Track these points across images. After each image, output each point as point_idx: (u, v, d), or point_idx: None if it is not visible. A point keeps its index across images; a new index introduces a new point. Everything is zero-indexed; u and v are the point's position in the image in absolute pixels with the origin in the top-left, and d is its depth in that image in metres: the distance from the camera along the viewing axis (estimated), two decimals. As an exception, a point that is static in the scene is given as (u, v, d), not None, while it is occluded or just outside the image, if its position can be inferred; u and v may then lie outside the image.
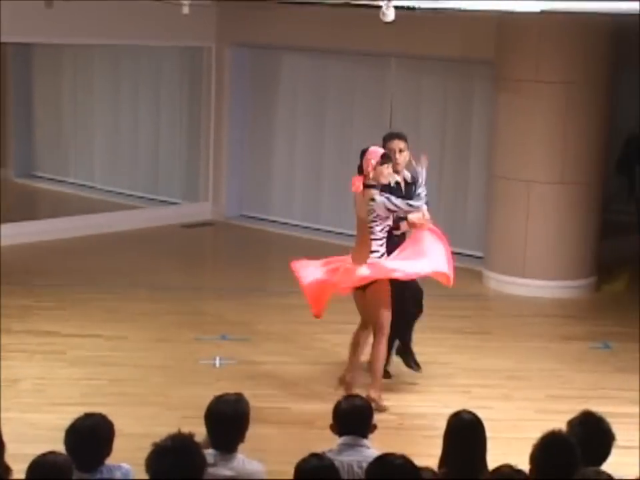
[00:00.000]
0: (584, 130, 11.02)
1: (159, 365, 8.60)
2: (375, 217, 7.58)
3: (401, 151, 8.03)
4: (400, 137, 8.16)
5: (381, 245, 7.66)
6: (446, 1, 8.44)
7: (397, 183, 7.98)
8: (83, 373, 8.27)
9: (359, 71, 13.37)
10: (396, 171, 7.96)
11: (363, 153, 7.69)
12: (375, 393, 7.65)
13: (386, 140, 8.13)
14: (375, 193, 7.58)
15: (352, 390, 7.57)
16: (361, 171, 7.66)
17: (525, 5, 8.93)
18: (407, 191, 8.00)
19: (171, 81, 14.74)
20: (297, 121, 13.91)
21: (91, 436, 4.59)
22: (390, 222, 7.66)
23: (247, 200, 14.36)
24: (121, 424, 4.89)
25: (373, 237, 7.62)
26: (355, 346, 7.91)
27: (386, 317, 7.70)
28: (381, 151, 7.74)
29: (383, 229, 7.63)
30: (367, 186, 7.61)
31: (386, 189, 7.75)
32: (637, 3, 7.39)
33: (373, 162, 7.58)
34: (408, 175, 8.10)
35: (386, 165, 7.65)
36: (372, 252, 7.66)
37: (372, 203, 7.56)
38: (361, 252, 7.69)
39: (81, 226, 12.77)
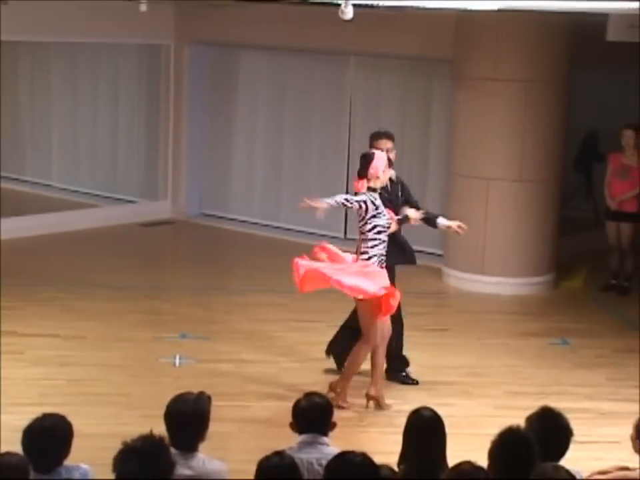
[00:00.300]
0: (542, 128, 11.10)
1: (118, 364, 8.55)
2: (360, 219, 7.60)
3: (388, 150, 8.01)
4: (388, 136, 8.17)
5: (372, 247, 7.60)
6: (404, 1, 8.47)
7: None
8: (41, 372, 8.20)
9: (318, 69, 13.37)
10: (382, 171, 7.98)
11: (365, 156, 7.64)
12: (374, 390, 7.71)
13: (373, 139, 8.14)
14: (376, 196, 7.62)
15: (383, 403, 7.73)
16: (361, 174, 7.60)
17: (483, 4, 8.98)
18: (392, 189, 8.06)
19: (130, 79, 14.66)
20: (256, 119, 13.88)
21: (48, 436, 4.56)
22: (382, 222, 7.60)
23: (207, 198, 14.32)
24: (80, 424, 4.86)
25: (362, 237, 7.63)
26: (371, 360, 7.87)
27: (373, 330, 7.66)
28: (385, 155, 7.74)
29: (372, 229, 7.58)
30: (369, 189, 7.61)
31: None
32: (592, 2, 7.46)
33: (382, 167, 7.60)
34: (393, 174, 8.11)
35: (389, 170, 7.77)
36: (361, 253, 7.64)
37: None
38: (357, 254, 7.67)
39: (38, 225, 12.66)
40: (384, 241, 7.61)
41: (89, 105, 15.03)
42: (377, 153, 7.72)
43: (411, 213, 7.96)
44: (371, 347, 7.74)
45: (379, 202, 7.60)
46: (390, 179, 8.06)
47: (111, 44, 14.00)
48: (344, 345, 8.22)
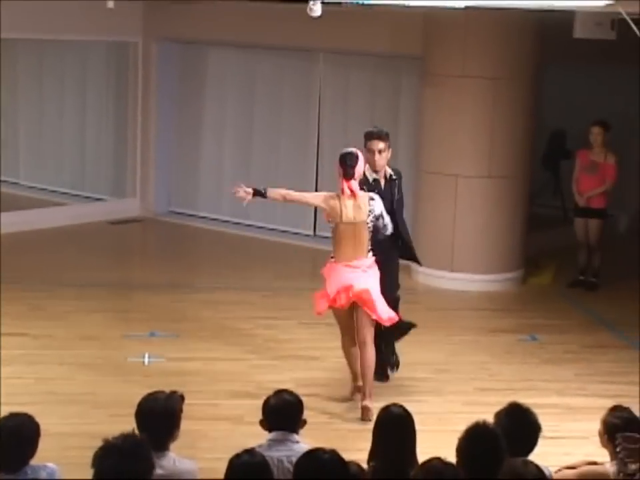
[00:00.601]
0: (510, 125, 11.14)
1: (86, 363, 8.50)
2: (373, 218, 7.56)
3: (380, 152, 7.90)
4: (380, 136, 7.97)
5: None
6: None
7: (376, 180, 7.93)
8: (8, 371, 8.12)
9: (287, 66, 13.36)
10: (375, 171, 7.91)
11: (345, 156, 7.51)
12: (370, 402, 7.57)
13: (366, 139, 8.00)
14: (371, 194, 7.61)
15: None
16: (347, 175, 7.49)
17: (450, 2, 9.00)
18: (386, 188, 7.97)
19: (97, 77, 14.57)
20: (225, 116, 13.85)
21: (14, 436, 4.52)
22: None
23: (175, 196, 14.27)
24: (47, 423, 4.83)
25: (370, 236, 7.60)
26: (351, 356, 7.84)
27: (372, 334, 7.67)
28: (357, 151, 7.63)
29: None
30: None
31: (366, 185, 7.74)
32: (559, 0, 7.50)
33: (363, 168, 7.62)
34: (389, 172, 8.03)
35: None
36: (370, 250, 7.61)
37: (372, 202, 7.54)
38: (357, 253, 7.57)
39: (4, 223, 12.53)
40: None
41: (56, 103, 14.94)
42: (360, 154, 7.59)
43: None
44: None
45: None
46: (385, 177, 8.00)
47: (78, 41, 13.91)
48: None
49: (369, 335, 7.60)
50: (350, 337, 7.75)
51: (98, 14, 12.09)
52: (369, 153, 7.86)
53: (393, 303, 8.12)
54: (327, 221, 7.76)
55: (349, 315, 7.65)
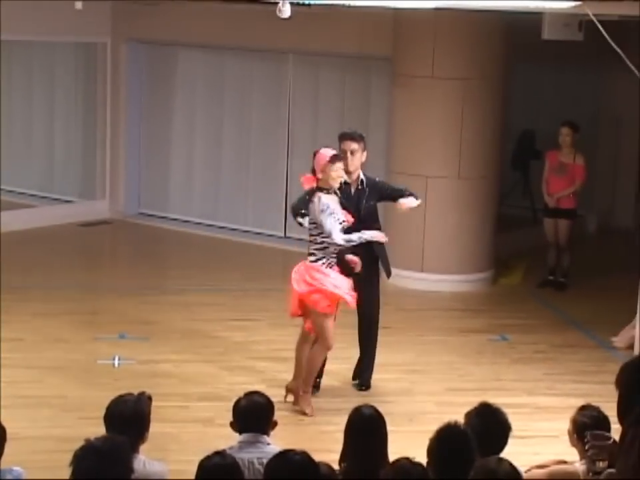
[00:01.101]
0: (480, 126, 11.17)
1: (55, 366, 8.44)
2: (310, 219, 7.51)
3: (352, 152, 7.86)
4: (352, 137, 7.93)
5: (320, 250, 7.50)
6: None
7: (346, 183, 7.79)
8: (-23, 375, 8.06)
9: (257, 67, 13.34)
10: (347, 172, 7.78)
11: (315, 154, 7.53)
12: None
13: (340, 140, 7.96)
14: (320, 195, 7.45)
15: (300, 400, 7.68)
16: (313, 172, 7.52)
17: (419, 3, 9.02)
18: (355, 194, 7.90)
19: (66, 77, 14.48)
20: (194, 117, 13.81)
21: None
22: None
23: (145, 198, 14.21)
24: (15, 427, 4.80)
25: (310, 239, 7.56)
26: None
27: (328, 331, 7.63)
28: (331, 152, 7.56)
29: (321, 234, 7.47)
30: (318, 188, 7.50)
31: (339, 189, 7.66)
32: (528, 2, 7.53)
33: (321, 165, 7.45)
34: (361, 178, 7.96)
35: (334, 166, 7.48)
36: (308, 254, 7.57)
37: (310, 205, 7.46)
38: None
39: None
40: (332, 244, 7.48)
41: (24, 104, 14.82)
42: (322, 150, 7.58)
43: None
44: (327, 348, 7.71)
45: (329, 204, 7.44)
46: (358, 182, 7.91)
47: (46, 42, 13.83)
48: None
49: (322, 332, 7.65)
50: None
51: (66, 15, 12.02)
52: (342, 154, 7.83)
53: (368, 320, 8.12)
54: None
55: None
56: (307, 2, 8.61)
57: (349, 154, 7.87)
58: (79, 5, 10.47)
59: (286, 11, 7.52)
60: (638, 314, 8.58)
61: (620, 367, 4.40)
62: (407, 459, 4.33)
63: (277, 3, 7.56)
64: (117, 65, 13.82)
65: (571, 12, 8.21)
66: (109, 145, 14.00)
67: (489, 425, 4.88)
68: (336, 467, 4.94)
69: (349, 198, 7.83)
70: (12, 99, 14.87)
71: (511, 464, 4.29)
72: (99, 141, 14.10)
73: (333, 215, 7.43)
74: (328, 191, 7.53)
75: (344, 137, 8.01)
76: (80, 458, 3.96)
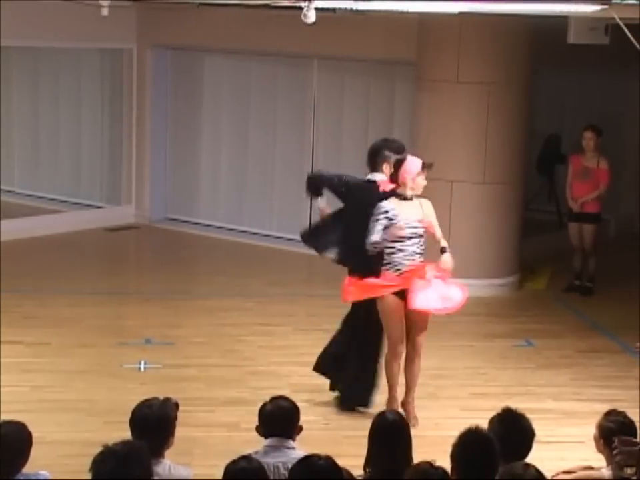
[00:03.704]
0: (505, 130, 11.14)
1: (81, 371, 8.49)
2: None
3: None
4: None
5: (388, 255, 7.50)
6: (365, 2, 8.46)
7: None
8: (4, 380, 8.09)
9: (282, 72, 13.37)
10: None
11: (400, 161, 7.50)
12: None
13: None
14: (385, 203, 7.47)
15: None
16: (392, 178, 7.53)
17: (443, 6, 8.99)
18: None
19: (92, 84, 14.57)
20: (220, 122, 13.85)
21: (3, 445, 4.48)
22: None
23: (172, 203, 14.26)
24: (42, 431, 4.84)
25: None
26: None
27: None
28: (418, 160, 7.56)
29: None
30: (394, 194, 7.51)
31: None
32: (554, 5, 7.50)
33: (412, 174, 7.48)
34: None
35: (424, 175, 7.57)
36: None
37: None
38: None
39: (1, 231, 12.53)
40: (400, 250, 7.47)
41: (51, 110, 14.93)
42: (409, 157, 7.57)
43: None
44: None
45: (394, 210, 7.45)
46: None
47: (72, 48, 13.92)
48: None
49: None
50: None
51: (92, 21, 12.08)
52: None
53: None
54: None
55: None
56: (332, 7, 8.62)
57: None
58: (105, 11, 10.50)
59: (311, 16, 7.52)
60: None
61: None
62: (427, 462, 4.33)
63: (302, 8, 7.56)
64: (142, 70, 13.88)
65: (597, 16, 8.16)
66: (135, 150, 14.07)
67: (512, 431, 4.86)
68: (361, 471, 4.94)
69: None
70: (40, 106, 14.99)
71: (537, 469, 4.29)
72: (125, 147, 14.18)
73: (380, 221, 7.43)
74: (402, 197, 7.52)
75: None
76: (99, 463, 3.99)
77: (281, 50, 12.83)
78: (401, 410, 7.37)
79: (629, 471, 4.69)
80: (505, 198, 11.26)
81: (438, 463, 4.35)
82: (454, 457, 4.43)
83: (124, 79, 14.08)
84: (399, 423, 5.00)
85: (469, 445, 4.43)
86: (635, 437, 4.96)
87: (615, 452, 4.77)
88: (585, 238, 11.34)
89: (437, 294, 7.43)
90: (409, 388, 7.69)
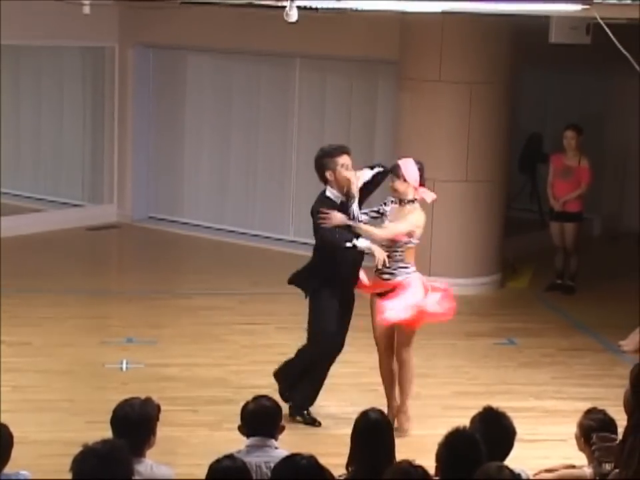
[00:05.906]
0: (487, 129, 11.17)
1: (63, 370, 8.46)
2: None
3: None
4: (349, 151, 7.96)
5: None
6: (347, 1, 8.46)
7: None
8: (-16, 379, 8.08)
9: (264, 71, 13.35)
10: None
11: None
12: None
13: (342, 154, 7.83)
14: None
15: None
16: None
17: (426, 6, 9.00)
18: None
19: (74, 82, 14.51)
20: (202, 121, 13.83)
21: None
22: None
23: (154, 202, 14.22)
24: (23, 431, 4.82)
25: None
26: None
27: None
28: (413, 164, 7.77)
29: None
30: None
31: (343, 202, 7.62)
32: (535, 4, 7.52)
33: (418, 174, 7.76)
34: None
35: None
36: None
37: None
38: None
39: (-19, 230, 12.48)
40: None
41: (32, 108, 14.85)
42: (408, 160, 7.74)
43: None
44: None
45: (388, 209, 7.68)
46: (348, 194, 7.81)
47: (54, 46, 13.86)
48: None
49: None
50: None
51: (74, 19, 12.04)
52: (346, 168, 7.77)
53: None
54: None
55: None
56: (314, 6, 8.61)
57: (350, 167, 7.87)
58: (87, 10, 10.48)
59: (293, 15, 7.51)
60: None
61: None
62: (408, 461, 4.33)
63: (284, 7, 7.56)
64: (124, 69, 13.84)
65: (579, 15, 8.19)
66: (117, 149, 14.03)
67: (493, 430, 4.86)
68: (343, 470, 4.94)
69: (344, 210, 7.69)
70: (20, 104, 14.92)
71: (511, 471, 4.29)
72: (107, 145, 14.13)
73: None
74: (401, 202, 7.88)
75: (345, 150, 7.89)
76: (79, 462, 3.97)
77: (263, 49, 12.82)
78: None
79: (607, 466, 4.71)
80: (487, 196, 11.29)
81: (420, 462, 4.35)
82: (439, 457, 4.43)
83: (106, 77, 14.03)
84: (382, 422, 5.01)
85: (455, 445, 4.43)
86: (616, 435, 4.98)
87: (593, 448, 4.80)
88: (567, 237, 11.37)
89: (404, 303, 7.39)
90: (400, 398, 7.69)
